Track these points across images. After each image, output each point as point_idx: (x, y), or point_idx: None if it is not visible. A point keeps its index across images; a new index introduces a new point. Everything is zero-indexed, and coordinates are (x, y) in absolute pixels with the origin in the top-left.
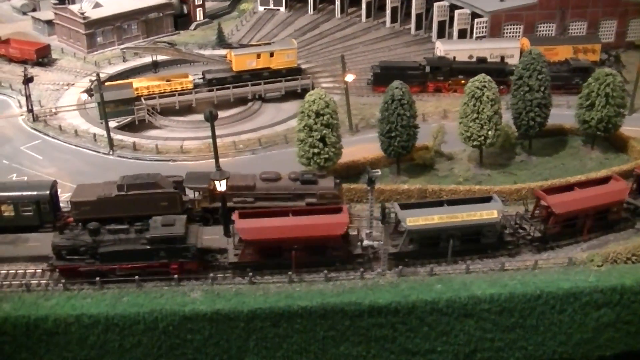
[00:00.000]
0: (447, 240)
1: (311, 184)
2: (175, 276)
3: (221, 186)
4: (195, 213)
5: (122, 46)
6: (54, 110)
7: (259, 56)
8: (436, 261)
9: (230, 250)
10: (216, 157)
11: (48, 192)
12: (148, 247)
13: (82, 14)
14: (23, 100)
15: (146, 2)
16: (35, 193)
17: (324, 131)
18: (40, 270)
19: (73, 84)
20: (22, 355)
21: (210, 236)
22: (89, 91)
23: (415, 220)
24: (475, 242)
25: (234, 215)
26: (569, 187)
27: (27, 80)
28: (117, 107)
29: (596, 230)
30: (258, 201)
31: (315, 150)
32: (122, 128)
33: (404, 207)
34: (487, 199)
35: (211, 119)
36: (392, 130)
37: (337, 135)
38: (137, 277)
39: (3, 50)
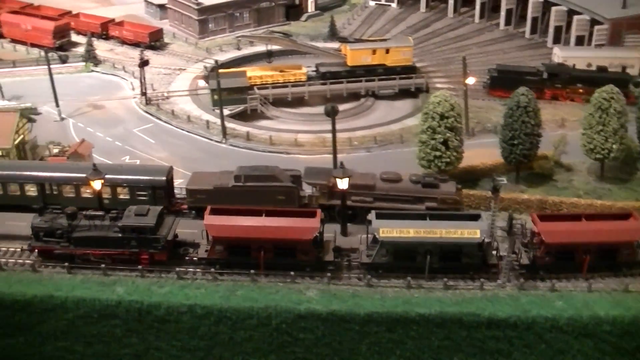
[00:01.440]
0: (425, 256)
1: (432, 188)
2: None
3: (343, 184)
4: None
5: (235, 34)
6: (166, 94)
7: (374, 52)
8: (415, 276)
9: (202, 246)
10: (334, 154)
11: (164, 178)
12: (120, 235)
13: (196, 0)
14: (136, 82)
15: None
16: (151, 178)
17: (447, 134)
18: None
19: (185, 69)
20: (132, 340)
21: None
22: (205, 77)
23: (389, 231)
24: (455, 261)
25: (206, 211)
26: (574, 217)
27: (143, 63)
28: (230, 95)
29: (601, 270)
30: (377, 201)
31: (437, 153)
32: (234, 116)
33: (380, 216)
34: (474, 217)
35: (332, 114)
36: (515, 138)
37: (460, 139)
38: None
39: (117, 32)
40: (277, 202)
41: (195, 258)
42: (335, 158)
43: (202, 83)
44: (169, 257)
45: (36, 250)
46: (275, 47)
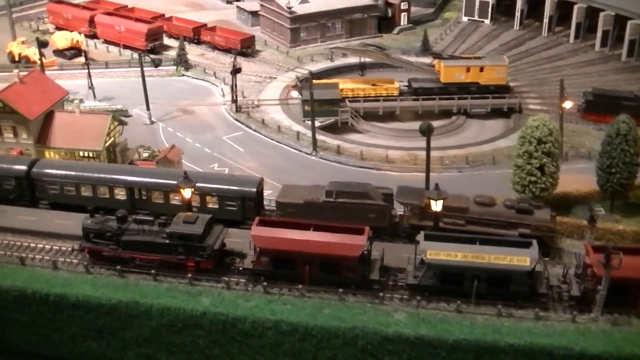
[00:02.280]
0: (472, 281)
1: (526, 214)
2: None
3: (437, 206)
4: (402, 229)
5: (327, 44)
6: (256, 102)
7: (468, 70)
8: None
9: (249, 256)
10: (427, 174)
11: (255, 190)
12: (167, 241)
13: (290, 8)
14: (226, 89)
15: (352, 2)
16: (242, 189)
17: (544, 159)
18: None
19: (275, 78)
20: (214, 352)
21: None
22: (299, 89)
23: (437, 254)
24: (503, 288)
25: (254, 221)
26: (634, 250)
27: (235, 70)
28: (321, 106)
29: None
30: (469, 225)
31: (532, 179)
32: (324, 129)
33: (429, 237)
34: (525, 244)
35: (428, 133)
36: (613, 166)
37: (556, 165)
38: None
39: (208, 37)
40: (368, 220)
41: (240, 268)
42: (428, 178)
43: (295, 94)
44: (215, 266)
45: (86, 251)
46: (367, 60)
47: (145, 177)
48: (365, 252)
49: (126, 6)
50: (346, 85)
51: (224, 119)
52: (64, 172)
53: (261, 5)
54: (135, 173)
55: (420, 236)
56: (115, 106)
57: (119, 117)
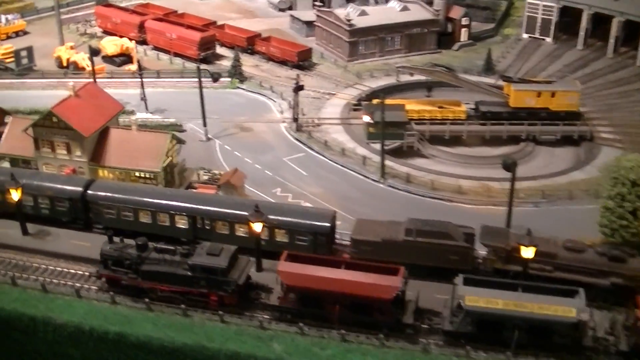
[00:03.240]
0: (512, 330)
1: (620, 262)
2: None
3: (528, 253)
4: (484, 272)
5: (385, 59)
6: (316, 121)
7: (539, 94)
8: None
9: (275, 292)
10: (509, 212)
11: (329, 225)
12: (189, 273)
13: (349, 20)
14: (283, 104)
15: (412, 16)
16: (314, 223)
17: (638, 203)
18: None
19: (334, 94)
20: None
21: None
22: (369, 112)
23: (476, 300)
24: (546, 339)
25: (282, 256)
26: None
27: (298, 88)
28: (386, 129)
29: None
30: (557, 271)
31: (623, 222)
32: (389, 152)
33: (469, 282)
34: (571, 292)
35: (512, 168)
36: None
37: None
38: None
39: (263, 47)
40: (449, 262)
41: (266, 303)
42: (509, 216)
43: (366, 118)
44: (239, 301)
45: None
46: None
47: (209, 205)
48: (400, 294)
49: (176, 11)
50: (412, 106)
51: (284, 138)
52: (122, 196)
53: (317, 15)
54: (199, 200)
55: (458, 279)
56: (168, 119)
57: (178, 136)
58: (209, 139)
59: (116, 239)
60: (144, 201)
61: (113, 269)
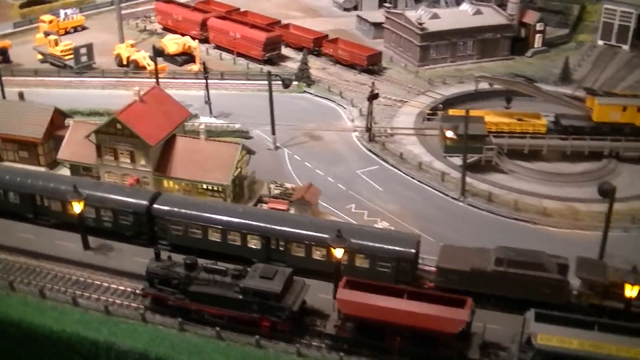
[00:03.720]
0: None
1: None
2: None
3: (632, 292)
4: (579, 308)
5: (456, 64)
6: (389, 131)
7: (625, 109)
8: None
9: (331, 320)
10: (604, 242)
11: (413, 251)
12: (240, 297)
13: (420, 24)
14: (354, 111)
15: (485, 20)
16: (398, 249)
17: None
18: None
19: (407, 102)
20: None
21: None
22: (454, 128)
23: (549, 338)
24: None
25: (341, 282)
26: None
27: (372, 96)
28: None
29: None
30: None
31: None
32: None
33: (540, 317)
34: None
35: (610, 195)
36: None
37: None
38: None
39: (330, 50)
40: (542, 295)
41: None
42: (603, 246)
43: (449, 134)
44: (292, 328)
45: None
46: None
47: (284, 225)
48: (465, 327)
49: (238, 9)
50: (490, 119)
51: (356, 148)
52: (190, 212)
53: (386, 17)
54: (274, 219)
55: (529, 313)
56: (233, 125)
57: (248, 146)
58: (277, 148)
59: (164, 256)
60: (213, 218)
61: (159, 287)
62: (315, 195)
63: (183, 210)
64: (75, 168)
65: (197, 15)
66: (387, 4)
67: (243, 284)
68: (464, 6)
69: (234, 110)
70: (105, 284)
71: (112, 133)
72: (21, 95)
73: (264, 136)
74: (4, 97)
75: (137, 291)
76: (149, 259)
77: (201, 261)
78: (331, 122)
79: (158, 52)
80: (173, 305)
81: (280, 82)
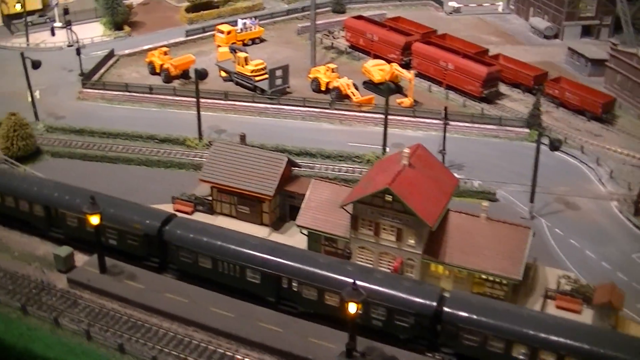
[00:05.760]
0: None
1: None
2: None
3: None
4: None
5: None
6: None
7: None
8: None
9: None
10: None
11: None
12: None
13: None
14: (601, 171)
15: None
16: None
17: None
18: None
19: None
20: None
21: None
22: None
23: None
24: None
25: None
26: None
27: None
28: None
29: None
30: None
31: None
32: None
33: None
34: None
35: None
36: None
37: None
38: None
39: (555, 91)
40: None
41: None
42: None
43: None
44: None
45: None
46: None
47: None
48: None
49: (435, 31)
50: None
51: (620, 223)
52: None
53: (612, 55)
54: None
55: None
56: (471, 181)
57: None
58: (533, 217)
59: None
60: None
61: None
62: (621, 300)
63: (481, 319)
64: (314, 237)
65: (398, 37)
66: (613, 41)
67: None
68: None
69: (463, 161)
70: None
71: (378, 205)
72: (243, 138)
73: (511, 199)
74: (199, 130)
75: None
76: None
77: None
78: (580, 184)
79: (391, 89)
80: None
81: (546, 144)
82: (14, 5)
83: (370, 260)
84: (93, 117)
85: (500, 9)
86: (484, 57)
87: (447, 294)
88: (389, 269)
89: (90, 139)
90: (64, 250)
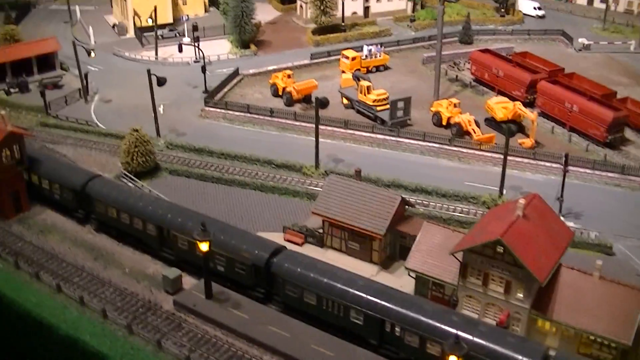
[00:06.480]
0: None
1: None
2: None
3: None
4: None
5: None
6: None
7: None
8: None
9: None
10: None
11: None
12: None
13: None
14: None
15: None
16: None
17: None
18: None
19: None
20: None
21: None
22: None
23: None
24: None
25: None
26: None
27: None
28: None
29: None
30: None
31: None
32: None
33: None
34: None
35: None
36: None
37: None
38: None
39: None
40: None
41: None
42: None
43: None
44: None
45: None
46: None
47: None
48: None
49: (562, 69)
50: None
51: None
52: None
53: None
54: None
55: None
56: (590, 234)
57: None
58: None
59: None
60: None
61: None
62: None
63: None
64: (422, 280)
65: (524, 74)
66: None
67: None
68: None
69: (580, 208)
70: None
71: (489, 256)
72: (358, 174)
73: (628, 254)
74: (316, 158)
75: None
76: None
77: None
78: None
79: (511, 131)
80: None
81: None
82: (146, 20)
83: (477, 310)
84: (213, 136)
85: (632, 48)
86: (612, 100)
87: (552, 353)
88: (495, 320)
89: (208, 159)
90: (173, 272)
